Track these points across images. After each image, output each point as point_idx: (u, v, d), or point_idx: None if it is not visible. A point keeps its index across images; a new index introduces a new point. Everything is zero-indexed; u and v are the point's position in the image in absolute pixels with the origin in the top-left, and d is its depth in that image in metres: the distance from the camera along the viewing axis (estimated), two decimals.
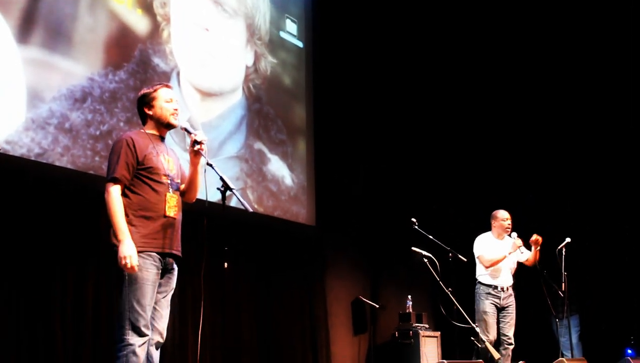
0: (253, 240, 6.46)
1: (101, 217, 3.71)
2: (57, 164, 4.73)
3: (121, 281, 3.24)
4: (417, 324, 7.47)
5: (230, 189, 3.38)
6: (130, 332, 3.18)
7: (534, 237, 6.00)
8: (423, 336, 7.25)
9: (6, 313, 4.31)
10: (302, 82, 7.60)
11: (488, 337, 5.75)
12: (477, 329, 5.51)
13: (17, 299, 4.39)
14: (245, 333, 6.22)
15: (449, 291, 5.75)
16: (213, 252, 3.92)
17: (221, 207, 3.46)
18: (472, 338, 5.57)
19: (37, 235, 4.58)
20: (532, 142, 8.61)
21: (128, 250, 3.20)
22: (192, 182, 3.60)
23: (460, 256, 5.99)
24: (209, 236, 3.79)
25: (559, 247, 6.17)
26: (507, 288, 6.04)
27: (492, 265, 5.97)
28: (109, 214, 3.28)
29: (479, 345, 5.31)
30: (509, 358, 5.81)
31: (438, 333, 7.47)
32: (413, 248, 5.73)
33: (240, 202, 3.37)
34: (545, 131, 8.57)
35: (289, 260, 6.97)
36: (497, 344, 5.85)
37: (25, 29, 4.69)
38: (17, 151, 4.52)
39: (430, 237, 5.79)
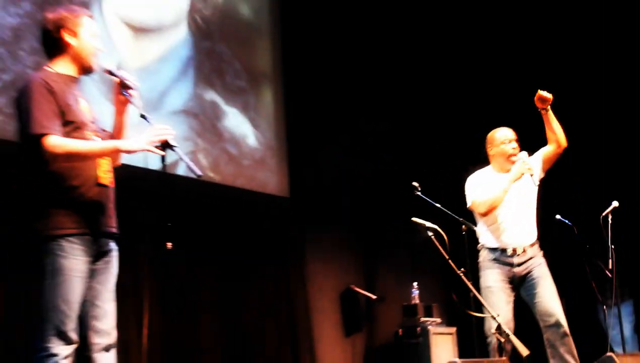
0: (207, 217, 6.43)
1: (15, 194, 3.62)
2: None
3: (42, 274, 3.15)
4: (425, 318, 7.49)
5: (171, 147, 3.31)
6: (53, 338, 3.12)
7: (538, 93, 5.09)
8: (434, 333, 7.25)
9: None
10: (265, 11, 7.56)
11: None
12: (499, 319, 5.48)
13: None
14: (204, 338, 6.25)
15: (462, 272, 5.66)
16: (154, 232, 3.86)
17: (161, 174, 3.39)
18: (493, 331, 5.59)
19: None
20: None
21: (139, 141, 3.24)
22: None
23: (475, 227, 5.79)
24: (147, 213, 3.74)
25: (603, 214, 6.08)
26: (524, 250, 5.45)
27: (491, 208, 5.31)
28: (79, 155, 3.22)
29: (502, 339, 5.33)
30: (568, 352, 5.18)
31: (453, 329, 7.48)
32: (413, 219, 5.47)
33: (186, 163, 3.34)
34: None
35: (256, 241, 6.93)
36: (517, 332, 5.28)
37: None
38: None
39: (438, 205, 5.73)
